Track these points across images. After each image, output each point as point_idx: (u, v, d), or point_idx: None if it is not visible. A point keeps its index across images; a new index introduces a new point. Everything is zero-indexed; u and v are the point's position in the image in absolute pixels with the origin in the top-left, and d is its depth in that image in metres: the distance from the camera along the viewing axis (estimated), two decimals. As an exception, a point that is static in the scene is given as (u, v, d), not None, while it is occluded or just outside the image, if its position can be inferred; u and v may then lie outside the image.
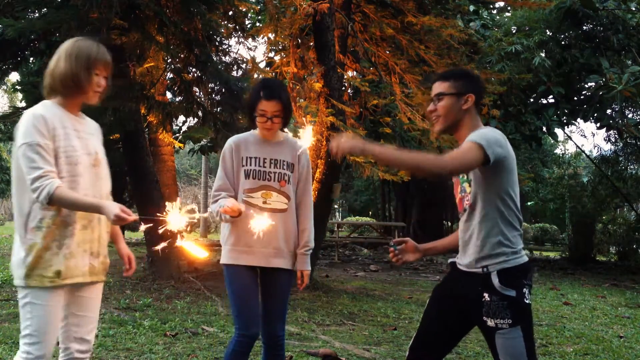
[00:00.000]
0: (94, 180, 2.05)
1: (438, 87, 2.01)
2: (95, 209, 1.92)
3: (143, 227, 2.17)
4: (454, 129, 2.01)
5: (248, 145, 2.43)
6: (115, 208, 1.87)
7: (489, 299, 1.85)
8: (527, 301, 1.88)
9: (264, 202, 2.36)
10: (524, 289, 1.87)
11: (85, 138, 2.04)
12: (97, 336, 3.80)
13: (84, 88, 2.00)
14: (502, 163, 1.86)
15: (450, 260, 2.10)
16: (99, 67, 2.05)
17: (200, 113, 6.49)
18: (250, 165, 2.38)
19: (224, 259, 2.42)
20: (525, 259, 1.93)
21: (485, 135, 1.86)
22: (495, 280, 1.85)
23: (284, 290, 2.47)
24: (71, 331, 2.04)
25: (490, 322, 1.84)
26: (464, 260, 1.97)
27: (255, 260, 2.37)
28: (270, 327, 2.43)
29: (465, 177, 1.99)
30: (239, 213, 2.23)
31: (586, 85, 10.35)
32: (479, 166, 1.84)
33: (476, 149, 1.81)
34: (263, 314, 2.43)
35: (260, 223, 2.29)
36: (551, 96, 10.37)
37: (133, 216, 1.92)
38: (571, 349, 4.23)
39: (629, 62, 9.93)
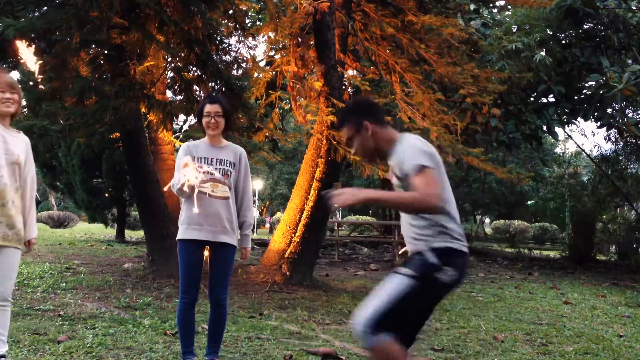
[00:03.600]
0: (11, 173, 2.71)
1: (343, 134, 2.18)
2: None
3: None
4: (379, 153, 2.17)
5: (199, 149, 3.09)
6: None
7: (414, 258, 2.13)
8: (440, 277, 2.10)
9: (212, 191, 3.02)
10: (447, 267, 2.09)
11: (8, 143, 2.72)
12: (97, 335, 3.81)
13: None
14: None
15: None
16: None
17: (198, 113, 6.48)
18: (202, 163, 3.03)
19: (179, 235, 3.04)
20: (458, 246, 2.15)
21: (421, 152, 2.02)
22: (428, 245, 2.11)
23: (227, 260, 3.10)
24: None
25: (402, 271, 2.08)
26: (409, 245, 2.22)
27: (204, 236, 3.00)
28: (214, 290, 3.10)
29: (400, 184, 2.12)
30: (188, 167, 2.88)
31: (587, 84, 10.35)
32: None
33: (430, 171, 1.98)
34: (209, 281, 3.11)
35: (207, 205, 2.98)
36: (551, 95, 10.37)
37: None
38: (571, 348, 4.23)
39: (630, 61, 9.93)
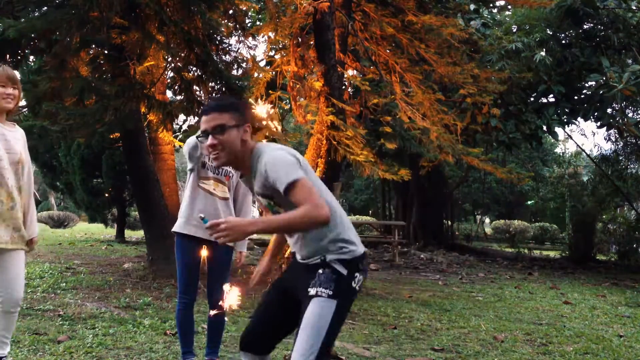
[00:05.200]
0: (14, 174, 2.65)
1: (217, 119, 1.94)
2: None
3: None
4: (237, 161, 1.98)
5: (204, 147, 2.81)
6: None
7: (321, 272, 1.94)
8: (355, 285, 1.97)
9: (214, 189, 3.07)
10: (356, 273, 1.98)
11: (10, 141, 2.66)
12: (97, 335, 3.81)
13: None
14: None
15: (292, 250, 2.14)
16: (1, 80, 2.63)
17: (200, 112, 6.49)
18: (208, 160, 3.05)
19: (176, 228, 3.08)
20: (360, 250, 2.01)
21: (288, 165, 1.87)
22: (330, 257, 1.95)
23: (225, 261, 3.13)
24: (2, 291, 2.66)
25: (312, 291, 1.91)
26: (302, 254, 2.04)
27: (201, 234, 2.98)
28: (213, 291, 3.11)
29: (272, 204, 2.01)
30: None
31: (586, 84, 10.33)
32: None
33: (305, 181, 1.84)
34: (208, 281, 3.15)
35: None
36: (551, 95, 10.36)
37: None
38: (571, 348, 4.23)
39: (630, 61, 9.92)
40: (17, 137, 2.74)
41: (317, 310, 1.88)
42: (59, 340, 3.62)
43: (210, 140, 1.94)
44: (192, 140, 2.98)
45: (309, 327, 1.87)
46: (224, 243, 1.80)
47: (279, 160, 1.88)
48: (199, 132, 2.79)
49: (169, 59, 6.76)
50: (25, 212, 2.78)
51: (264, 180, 1.91)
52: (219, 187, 3.08)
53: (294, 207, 1.86)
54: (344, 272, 1.94)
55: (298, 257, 2.07)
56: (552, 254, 15.40)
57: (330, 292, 1.90)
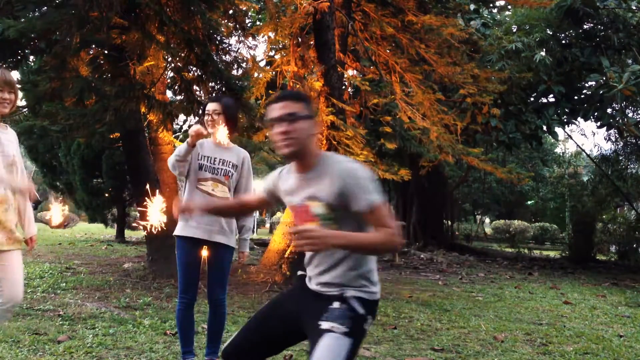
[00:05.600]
0: (7, 174, 2.67)
1: (291, 107, 1.85)
2: None
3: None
4: (301, 155, 1.88)
5: (204, 147, 3.10)
6: None
7: (337, 306, 1.83)
8: (366, 328, 1.88)
9: (212, 190, 3.04)
10: (369, 317, 1.88)
11: (3, 143, 2.67)
12: (97, 335, 3.81)
13: None
14: None
15: (299, 273, 2.07)
16: None
17: (200, 112, 6.49)
18: (205, 161, 3.05)
19: (177, 231, 3.08)
20: (379, 295, 1.92)
21: (374, 182, 1.79)
22: (349, 293, 1.86)
23: (224, 261, 3.09)
24: (4, 290, 2.66)
25: (326, 325, 1.79)
26: (320, 279, 1.93)
27: (200, 234, 3.00)
28: (212, 291, 3.12)
29: (328, 216, 1.87)
30: (200, 133, 2.87)
31: (587, 84, 10.34)
32: None
33: (386, 205, 1.78)
34: (208, 281, 3.13)
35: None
36: (551, 95, 10.37)
37: None
38: (571, 348, 4.23)
39: (630, 61, 9.93)
40: (10, 139, 2.75)
41: (331, 346, 1.75)
42: (59, 340, 3.62)
43: (283, 126, 1.84)
44: (170, 161, 2.98)
45: None
46: (305, 250, 1.73)
47: (365, 175, 1.79)
48: (179, 149, 2.86)
49: (169, 59, 6.76)
50: (22, 213, 2.79)
51: (337, 187, 1.79)
52: (218, 187, 3.05)
53: (347, 224, 1.79)
54: (361, 311, 1.84)
55: (312, 282, 1.94)
56: (552, 254, 15.41)
57: (347, 330, 1.78)
